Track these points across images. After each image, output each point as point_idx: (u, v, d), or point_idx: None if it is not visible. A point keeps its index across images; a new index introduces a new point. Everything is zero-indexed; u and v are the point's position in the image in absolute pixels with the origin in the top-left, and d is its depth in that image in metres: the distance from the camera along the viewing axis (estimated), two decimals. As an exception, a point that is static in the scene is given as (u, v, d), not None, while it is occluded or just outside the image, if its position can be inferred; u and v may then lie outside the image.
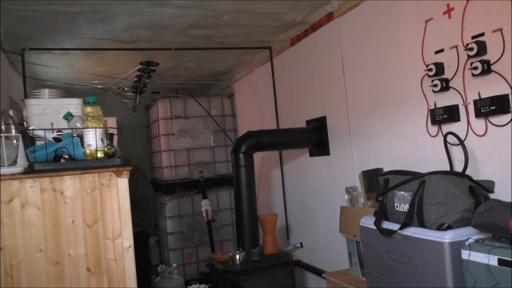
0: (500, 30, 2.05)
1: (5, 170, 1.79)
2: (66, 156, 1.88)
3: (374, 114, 2.98)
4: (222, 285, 3.35)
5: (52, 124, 2.02)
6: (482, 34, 2.13)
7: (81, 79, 4.82)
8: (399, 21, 2.69)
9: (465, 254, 1.86)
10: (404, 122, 2.71)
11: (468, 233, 1.93)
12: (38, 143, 2.01)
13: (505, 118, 2.07)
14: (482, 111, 2.14)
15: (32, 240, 1.78)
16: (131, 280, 1.90)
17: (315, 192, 3.83)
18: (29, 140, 2.01)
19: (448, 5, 2.32)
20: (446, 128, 2.39)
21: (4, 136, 1.91)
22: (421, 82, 2.54)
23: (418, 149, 2.61)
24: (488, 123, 2.15)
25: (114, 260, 1.88)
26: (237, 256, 3.33)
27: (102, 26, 3.35)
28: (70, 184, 1.84)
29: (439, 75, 2.39)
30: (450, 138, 2.32)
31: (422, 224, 2.06)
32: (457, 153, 2.33)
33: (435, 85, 2.38)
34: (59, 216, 1.82)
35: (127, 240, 1.91)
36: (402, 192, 2.18)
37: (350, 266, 2.97)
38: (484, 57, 2.13)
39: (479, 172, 2.22)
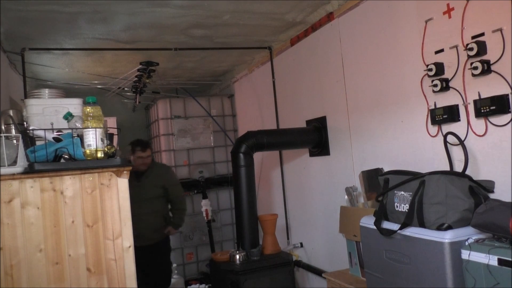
0: (500, 30, 2.05)
1: (5, 170, 1.79)
2: (66, 156, 1.88)
3: (374, 114, 2.98)
4: (222, 285, 3.35)
5: (52, 124, 2.01)
6: (482, 34, 2.13)
7: (81, 79, 4.82)
8: (399, 21, 2.69)
9: (465, 254, 1.86)
10: (404, 122, 2.71)
11: (468, 233, 1.93)
12: (38, 143, 2.00)
13: (505, 118, 2.07)
14: (482, 111, 2.14)
15: (32, 240, 1.77)
16: (131, 280, 1.90)
17: (315, 192, 3.83)
18: (29, 140, 2.01)
19: (448, 5, 2.32)
20: (446, 128, 2.39)
21: (4, 136, 1.90)
22: (421, 82, 2.53)
23: (418, 149, 2.61)
24: (488, 123, 2.15)
25: (114, 260, 1.88)
26: (237, 256, 3.33)
27: (102, 26, 3.35)
28: (70, 184, 1.84)
29: (439, 75, 2.38)
30: (450, 138, 2.32)
31: (422, 224, 2.05)
32: (457, 153, 2.33)
33: (435, 85, 2.38)
34: (59, 216, 1.82)
35: (127, 240, 1.90)
36: (402, 192, 2.18)
37: (350, 266, 2.97)
38: (484, 57, 2.13)
39: (479, 172, 2.22)
